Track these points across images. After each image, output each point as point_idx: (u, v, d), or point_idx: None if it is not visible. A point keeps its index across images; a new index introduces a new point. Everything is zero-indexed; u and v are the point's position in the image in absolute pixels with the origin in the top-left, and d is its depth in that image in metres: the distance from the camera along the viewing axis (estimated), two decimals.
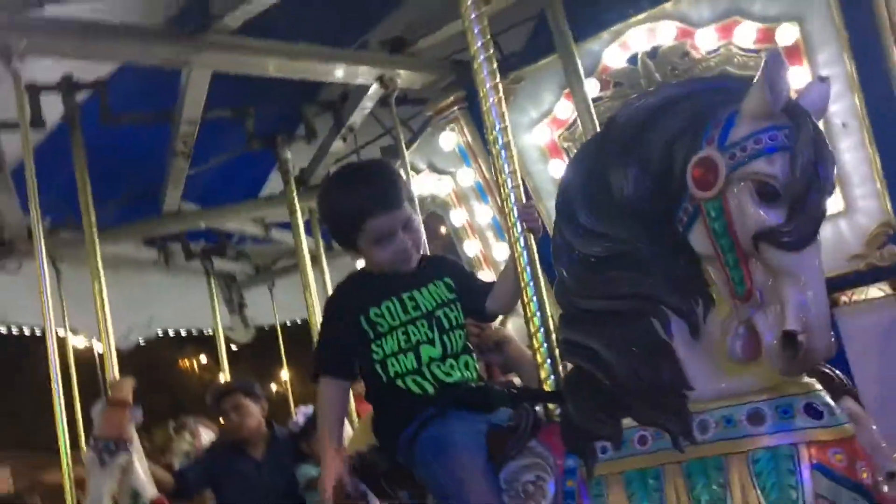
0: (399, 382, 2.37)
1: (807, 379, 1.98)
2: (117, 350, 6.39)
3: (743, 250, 1.86)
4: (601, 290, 2.09)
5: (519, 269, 2.40)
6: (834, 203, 3.93)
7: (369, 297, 2.45)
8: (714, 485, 1.89)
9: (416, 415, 2.32)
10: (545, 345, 2.36)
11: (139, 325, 7.77)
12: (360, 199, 2.44)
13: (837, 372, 2.99)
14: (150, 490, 4.02)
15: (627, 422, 2.05)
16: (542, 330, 2.37)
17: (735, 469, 1.88)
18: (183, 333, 8.47)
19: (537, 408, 2.32)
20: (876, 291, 4.77)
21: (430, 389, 2.36)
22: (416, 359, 2.39)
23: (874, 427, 2.93)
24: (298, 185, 5.85)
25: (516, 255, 2.40)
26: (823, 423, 1.89)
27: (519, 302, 2.43)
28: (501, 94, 2.49)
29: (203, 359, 22.29)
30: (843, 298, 4.60)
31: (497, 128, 2.46)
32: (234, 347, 8.88)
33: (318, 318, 5.17)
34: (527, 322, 2.40)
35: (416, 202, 2.64)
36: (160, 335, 8.22)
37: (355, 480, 2.39)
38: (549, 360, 2.35)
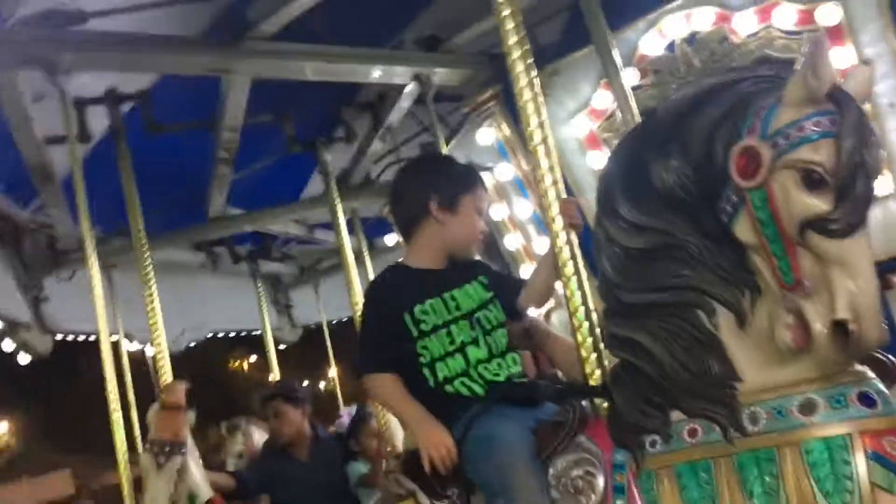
0: (448, 387, 2.40)
1: (858, 367, 1.95)
2: (170, 353, 6.56)
3: (789, 239, 1.84)
4: (645, 283, 2.07)
5: (560, 264, 2.40)
6: (883, 185, 3.86)
7: (413, 293, 2.47)
8: (766, 476, 1.87)
9: (463, 413, 2.34)
10: (590, 339, 2.34)
11: (191, 328, 7.93)
12: (473, 172, 2.69)
13: (891, 357, 2.94)
14: (205, 490, 4.09)
15: (676, 415, 2.03)
16: (586, 324, 2.35)
17: (788, 460, 1.85)
18: (233, 335, 8.60)
19: (584, 403, 2.31)
20: None
21: (480, 391, 2.38)
22: (464, 361, 2.41)
23: None
24: (339, 186, 5.92)
25: (556, 249, 2.40)
26: (877, 411, 1.85)
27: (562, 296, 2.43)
28: (538, 88, 2.49)
29: (253, 358, 22.61)
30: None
31: (534, 123, 2.45)
32: (282, 347, 8.99)
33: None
34: (571, 317, 2.39)
35: None
36: (210, 337, 8.36)
37: (406, 478, 2.42)
38: (594, 355, 2.34)
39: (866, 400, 1.87)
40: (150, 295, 4.79)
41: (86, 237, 4.65)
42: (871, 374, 1.95)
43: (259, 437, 6.57)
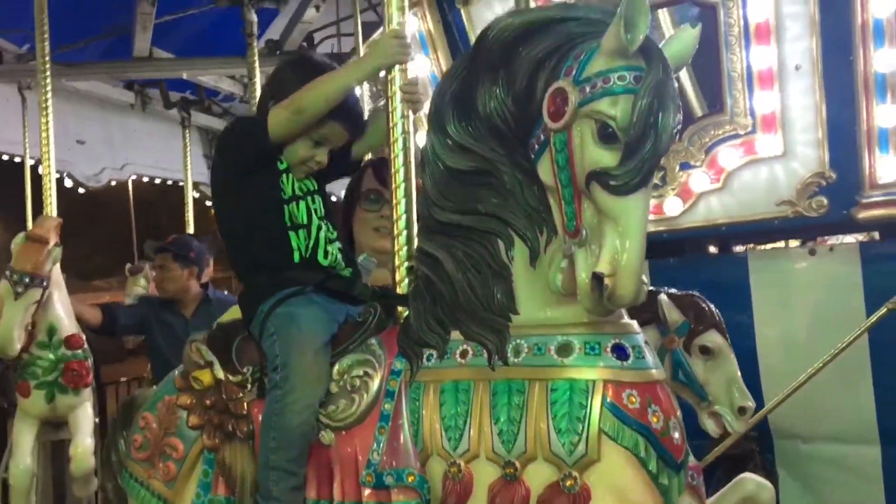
0: (291, 234, 2.40)
1: (626, 320, 2.02)
2: (86, 187, 6.47)
3: (578, 187, 1.87)
4: (458, 205, 2.10)
5: (393, 171, 2.41)
6: (773, 146, 3.89)
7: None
8: (513, 406, 1.95)
9: (281, 290, 2.37)
10: (406, 248, 2.38)
11: (112, 167, 7.84)
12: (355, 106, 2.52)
13: (710, 304, 3.07)
14: (67, 325, 4.16)
15: (455, 335, 2.10)
16: (405, 233, 2.38)
17: (535, 395, 1.94)
18: (157, 181, 8.53)
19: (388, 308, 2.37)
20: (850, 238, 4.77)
21: (307, 252, 2.41)
22: (307, 213, 2.44)
23: (734, 360, 3.04)
24: (273, 51, 5.79)
25: (393, 155, 2.40)
26: (626, 364, 1.93)
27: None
28: None
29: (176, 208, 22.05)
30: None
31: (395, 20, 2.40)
32: (208, 203, 8.95)
33: None
34: (393, 224, 2.42)
35: None
36: (134, 178, 8.28)
37: (208, 349, 2.48)
38: (407, 263, 2.39)
39: (619, 352, 1.95)
40: (46, 120, 4.58)
41: None
42: (635, 328, 2.03)
43: None
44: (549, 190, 1.97)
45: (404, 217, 2.38)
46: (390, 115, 2.41)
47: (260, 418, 2.32)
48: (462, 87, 2.10)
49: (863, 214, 3.74)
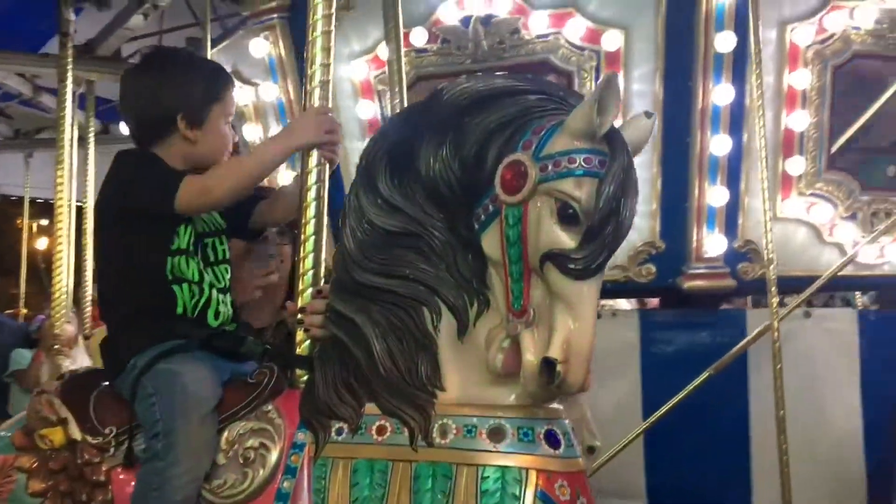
0: (175, 287, 2.17)
1: (555, 405, 1.97)
2: None
3: (529, 265, 1.81)
4: (382, 266, 1.95)
5: (303, 221, 2.23)
6: None
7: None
8: (438, 492, 1.82)
9: (159, 343, 2.11)
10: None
11: None
12: (221, 74, 2.39)
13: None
14: None
15: (370, 408, 1.94)
16: (311, 290, 2.20)
17: (463, 481, 1.82)
18: None
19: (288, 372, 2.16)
20: (624, 304, 5.11)
21: (193, 310, 2.19)
22: (198, 270, 2.22)
23: (585, 404, 3.12)
24: (81, 54, 5.23)
25: (305, 188, 2.23)
26: (558, 452, 1.87)
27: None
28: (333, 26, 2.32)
29: None
30: None
31: (319, 31, 2.31)
32: None
33: (69, 200, 4.69)
34: (298, 278, 2.23)
35: None
36: None
37: (61, 404, 2.13)
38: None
39: (552, 439, 1.88)
40: None
41: None
42: (562, 412, 1.98)
43: None
44: (493, 264, 1.89)
45: (311, 272, 2.21)
46: (306, 159, 2.24)
47: (118, 488, 2.04)
48: (400, 144, 1.97)
49: (687, 284, 4.03)
